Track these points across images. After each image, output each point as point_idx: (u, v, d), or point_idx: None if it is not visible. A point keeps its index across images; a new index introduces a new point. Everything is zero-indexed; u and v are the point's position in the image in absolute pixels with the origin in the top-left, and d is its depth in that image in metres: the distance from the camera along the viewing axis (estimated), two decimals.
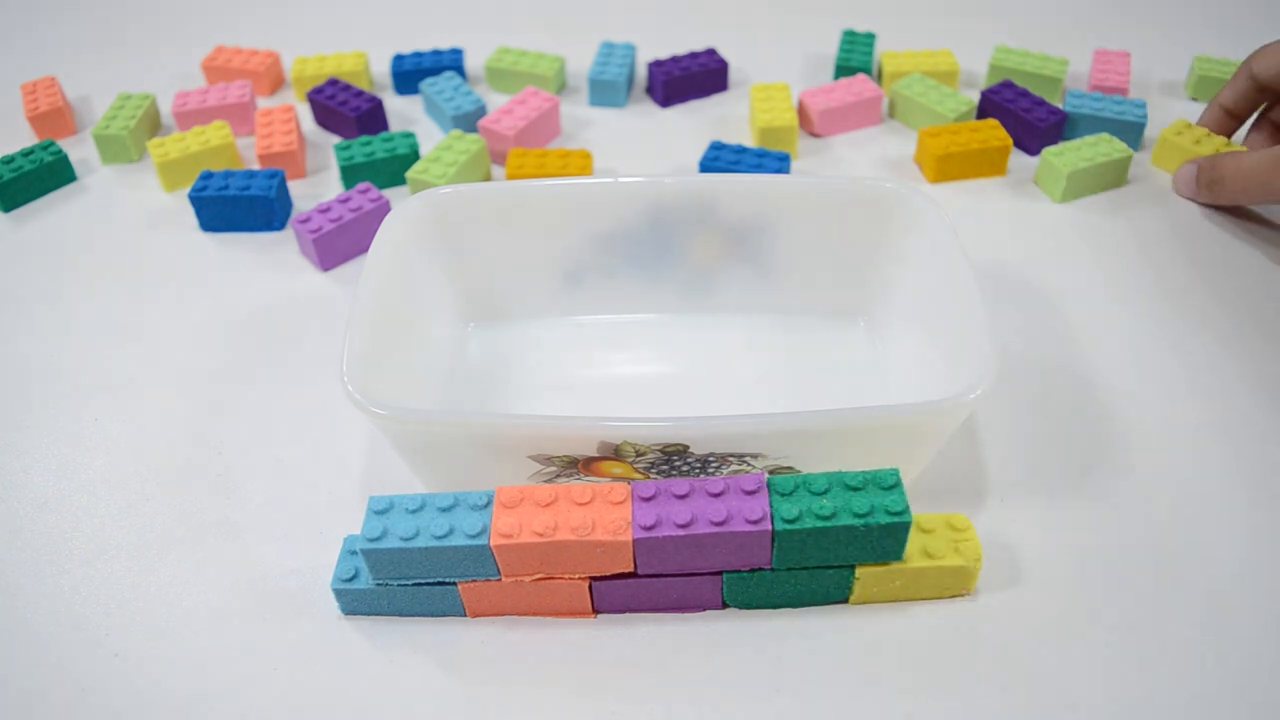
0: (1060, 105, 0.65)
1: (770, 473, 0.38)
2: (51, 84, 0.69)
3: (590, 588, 0.36)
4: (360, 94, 0.66)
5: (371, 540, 0.35)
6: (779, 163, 0.58)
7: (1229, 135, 0.61)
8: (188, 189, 0.61)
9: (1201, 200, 0.57)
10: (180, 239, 0.58)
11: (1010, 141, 0.60)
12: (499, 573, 0.35)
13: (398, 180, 0.61)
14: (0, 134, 0.68)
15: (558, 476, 0.39)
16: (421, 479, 0.42)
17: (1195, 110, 0.66)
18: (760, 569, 0.36)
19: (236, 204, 0.57)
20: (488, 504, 0.35)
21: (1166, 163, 0.61)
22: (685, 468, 0.38)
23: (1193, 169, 0.57)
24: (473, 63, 0.74)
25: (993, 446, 0.44)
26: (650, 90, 0.70)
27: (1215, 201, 0.56)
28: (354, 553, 0.38)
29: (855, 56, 0.70)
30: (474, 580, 0.36)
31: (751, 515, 0.34)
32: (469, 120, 0.65)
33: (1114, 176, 0.59)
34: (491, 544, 0.34)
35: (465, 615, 0.38)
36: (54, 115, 0.67)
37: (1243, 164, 0.54)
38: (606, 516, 0.34)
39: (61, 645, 0.37)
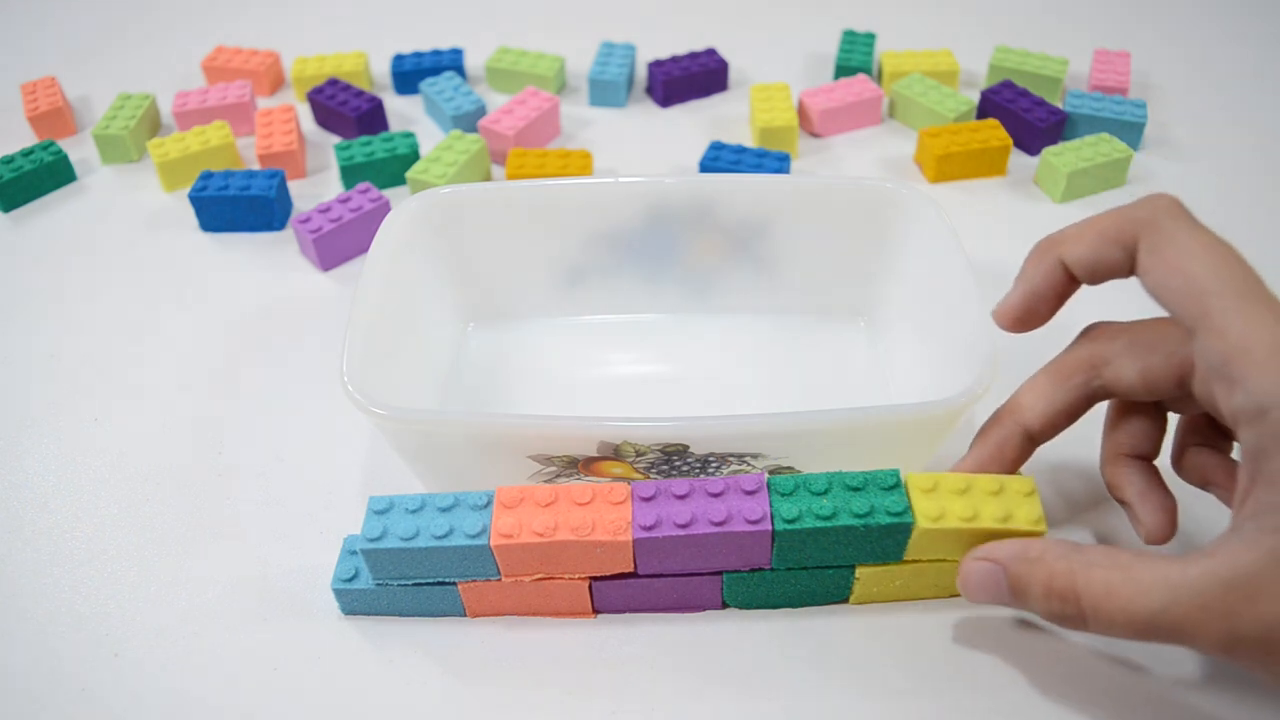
0: (1060, 105, 0.65)
1: (770, 473, 0.38)
2: (51, 84, 0.69)
3: (590, 588, 0.36)
4: (360, 94, 0.66)
5: (371, 540, 0.35)
6: (779, 163, 0.58)
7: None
8: (188, 189, 0.60)
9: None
10: (180, 239, 0.58)
11: (1010, 141, 0.60)
12: (499, 573, 0.35)
13: (398, 180, 0.61)
14: (0, 134, 0.68)
15: (558, 476, 0.39)
16: (421, 479, 0.42)
17: (1193, 107, 0.65)
18: (760, 569, 0.36)
19: (236, 204, 0.57)
20: (488, 504, 0.35)
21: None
22: (685, 468, 0.38)
23: (993, 572, 0.33)
24: (473, 63, 0.74)
25: None
26: (650, 90, 0.70)
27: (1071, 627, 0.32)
28: (354, 553, 0.38)
29: (855, 56, 0.70)
30: (474, 580, 0.36)
31: (751, 515, 0.34)
32: (469, 120, 0.65)
33: (1114, 176, 0.59)
34: (491, 544, 0.34)
35: (465, 615, 0.38)
36: (54, 115, 0.67)
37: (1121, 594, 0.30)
38: (606, 516, 0.34)
39: (61, 645, 0.37)
